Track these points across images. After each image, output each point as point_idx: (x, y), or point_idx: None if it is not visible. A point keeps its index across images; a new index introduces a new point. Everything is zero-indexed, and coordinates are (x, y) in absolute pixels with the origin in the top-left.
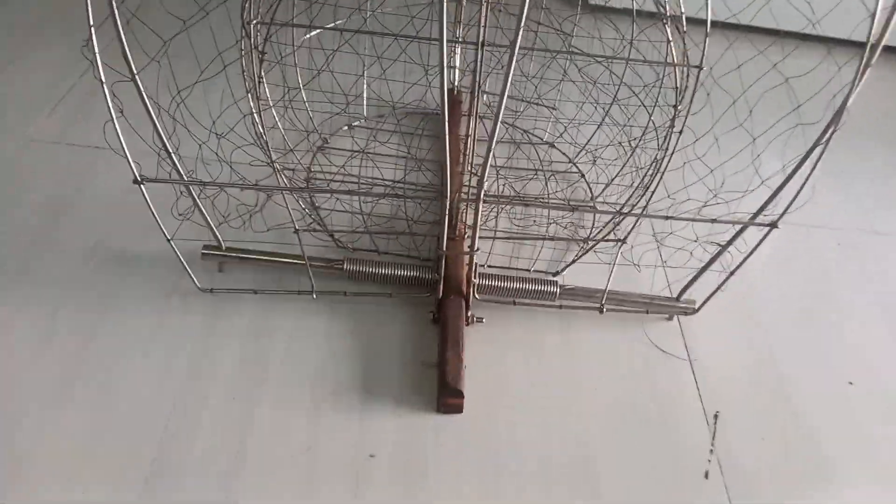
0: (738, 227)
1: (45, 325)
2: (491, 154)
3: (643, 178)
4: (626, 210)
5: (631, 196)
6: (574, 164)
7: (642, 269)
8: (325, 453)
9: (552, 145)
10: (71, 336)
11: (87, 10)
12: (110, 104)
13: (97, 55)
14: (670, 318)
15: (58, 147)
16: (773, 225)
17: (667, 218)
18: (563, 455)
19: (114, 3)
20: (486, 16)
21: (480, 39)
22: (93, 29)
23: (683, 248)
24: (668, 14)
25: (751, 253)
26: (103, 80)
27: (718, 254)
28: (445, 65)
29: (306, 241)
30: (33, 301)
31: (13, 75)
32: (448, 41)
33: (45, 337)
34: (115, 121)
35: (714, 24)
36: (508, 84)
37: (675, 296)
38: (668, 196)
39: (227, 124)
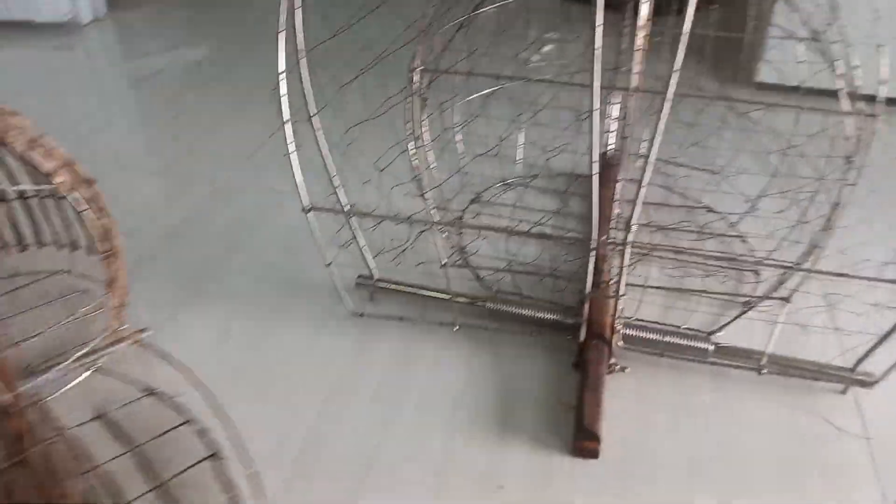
0: None
1: (220, 332)
2: (641, 198)
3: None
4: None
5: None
6: (734, 227)
7: (810, 333)
8: (455, 477)
9: (710, 209)
10: (240, 342)
11: (279, 59)
12: (290, 137)
13: (283, 98)
14: (844, 391)
15: (239, 193)
16: None
17: (841, 276)
18: None
19: (300, 53)
20: (640, 62)
21: (633, 85)
22: (281, 75)
23: (856, 311)
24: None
25: None
26: (287, 117)
27: None
28: (597, 100)
29: (452, 277)
30: (212, 311)
31: (208, 138)
32: (602, 87)
33: (219, 341)
34: (293, 154)
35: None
36: (662, 124)
37: (849, 365)
38: (841, 253)
39: (389, 163)
